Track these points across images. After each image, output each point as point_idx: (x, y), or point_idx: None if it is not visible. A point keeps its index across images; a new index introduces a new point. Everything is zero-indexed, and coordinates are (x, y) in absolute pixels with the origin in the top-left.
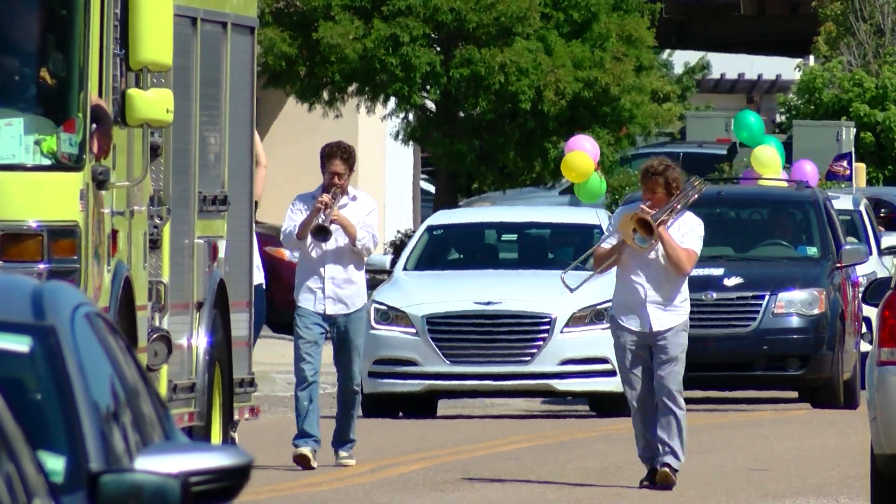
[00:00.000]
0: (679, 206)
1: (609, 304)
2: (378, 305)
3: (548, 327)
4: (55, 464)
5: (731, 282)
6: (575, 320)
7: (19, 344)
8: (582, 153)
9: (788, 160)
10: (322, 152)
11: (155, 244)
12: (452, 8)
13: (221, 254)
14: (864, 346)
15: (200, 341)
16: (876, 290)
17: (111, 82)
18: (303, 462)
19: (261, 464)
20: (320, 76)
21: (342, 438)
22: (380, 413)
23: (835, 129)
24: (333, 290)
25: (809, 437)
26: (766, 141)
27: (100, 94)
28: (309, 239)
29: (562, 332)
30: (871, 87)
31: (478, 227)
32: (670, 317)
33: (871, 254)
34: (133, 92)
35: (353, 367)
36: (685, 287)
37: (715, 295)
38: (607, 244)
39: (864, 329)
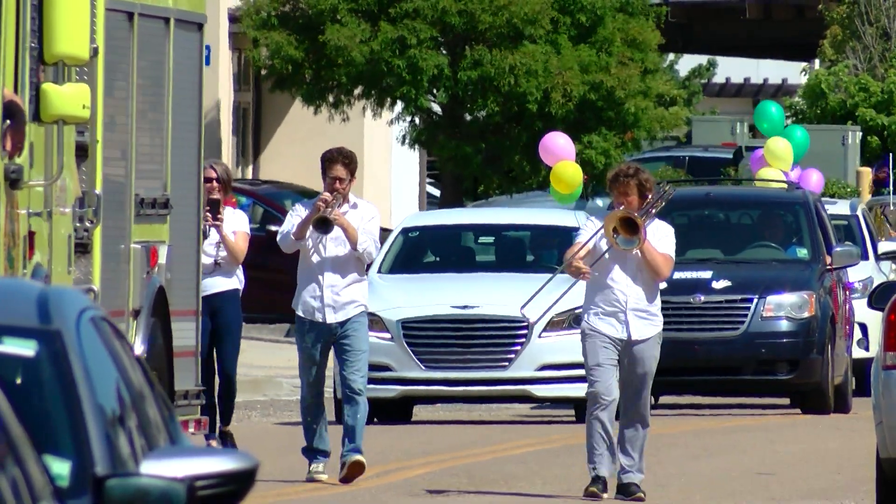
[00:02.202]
0: (654, 211)
1: None
2: None
3: (525, 332)
4: (61, 468)
5: (719, 284)
6: (553, 325)
7: (25, 348)
8: (569, 163)
9: None
10: (322, 158)
11: (85, 248)
12: (462, 10)
13: (162, 259)
14: (859, 353)
15: (136, 350)
16: (882, 294)
17: (28, 77)
18: (318, 481)
19: (267, 468)
20: (326, 79)
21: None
22: None
23: (840, 133)
24: (333, 299)
25: (814, 441)
26: (787, 132)
27: (15, 90)
28: (309, 241)
29: (540, 336)
30: (876, 91)
31: (454, 229)
32: (648, 327)
33: (866, 258)
34: (47, 87)
35: (356, 373)
36: (659, 294)
37: (703, 298)
38: (583, 249)
39: (859, 335)
